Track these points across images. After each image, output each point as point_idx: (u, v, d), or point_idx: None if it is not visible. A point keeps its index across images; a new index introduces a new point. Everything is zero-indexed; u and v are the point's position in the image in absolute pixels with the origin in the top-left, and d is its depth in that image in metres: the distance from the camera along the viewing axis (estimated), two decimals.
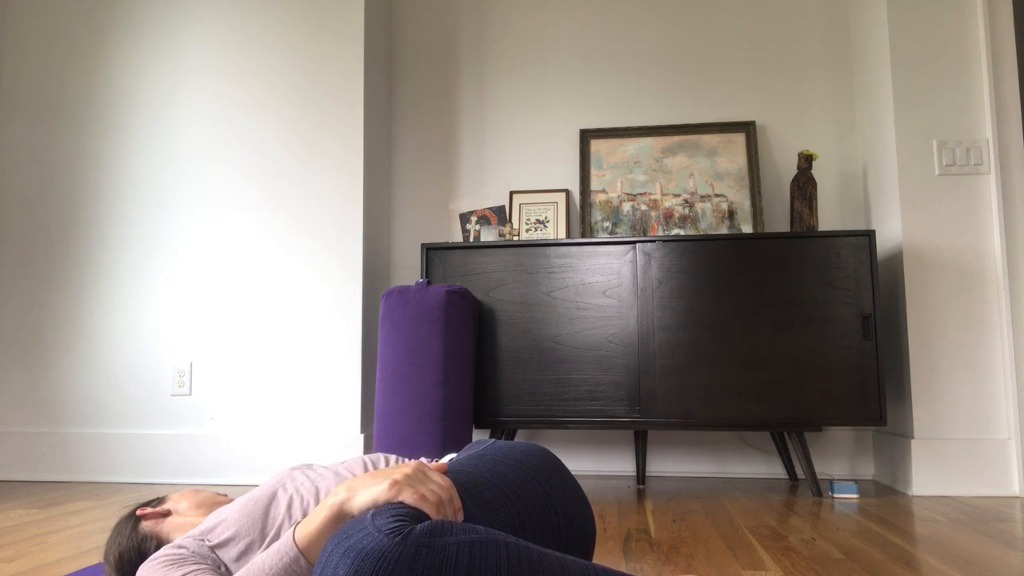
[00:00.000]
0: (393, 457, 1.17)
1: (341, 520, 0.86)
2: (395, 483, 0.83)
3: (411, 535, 0.73)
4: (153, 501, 1.23)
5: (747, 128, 2.88)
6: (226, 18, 2.91)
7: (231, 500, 1.27)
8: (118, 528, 1.17)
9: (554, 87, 3.06)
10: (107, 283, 2.87)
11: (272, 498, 1.06)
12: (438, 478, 0.87)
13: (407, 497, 0.82)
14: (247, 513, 1.03)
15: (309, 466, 1.15)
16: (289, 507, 1.04)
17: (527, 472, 0.99)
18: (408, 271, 3.08)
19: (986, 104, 2.47)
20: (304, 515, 1.03)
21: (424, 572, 0.71)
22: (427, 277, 2.53)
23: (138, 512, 1.16)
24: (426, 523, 0.75)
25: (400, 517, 0.76)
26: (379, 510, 0.78)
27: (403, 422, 2.27)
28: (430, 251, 2.55)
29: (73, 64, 2.97)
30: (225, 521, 1.03)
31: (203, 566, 0.95)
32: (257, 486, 1.37)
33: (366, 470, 1.10)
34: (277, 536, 1.02)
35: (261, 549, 1.00)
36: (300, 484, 1.08)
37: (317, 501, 1.04)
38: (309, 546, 0.87)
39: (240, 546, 1.00)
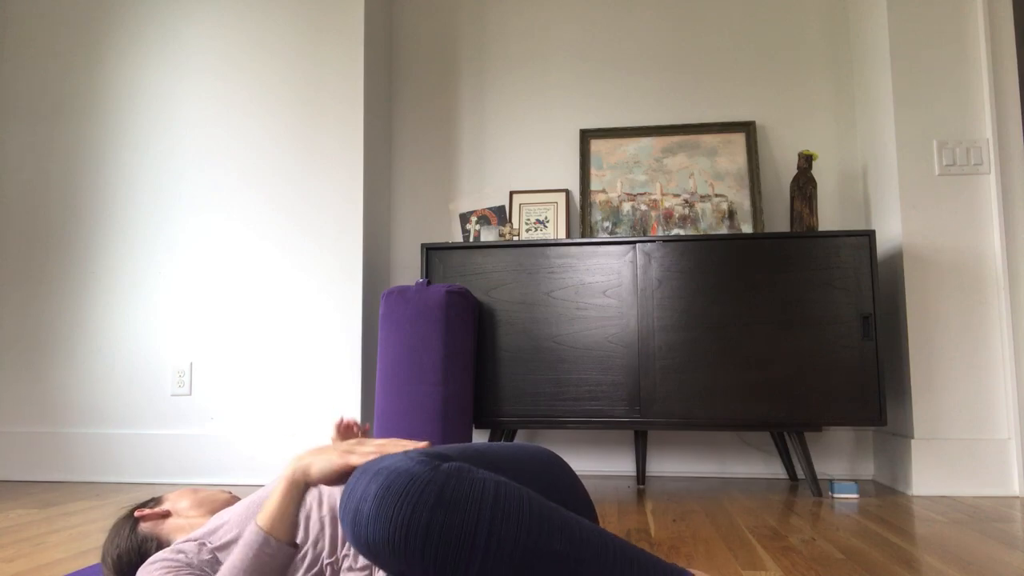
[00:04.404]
0: None
1: (300, 490, 0.89)
2: (345, 452, 0.88)
3: (441, 466, 0.77)
4: (150, 502, 1.22)
5: (747, 128, 2.88)
6: (226, 19, 2.91)
7: (231, 496, 1.27)
8: (116, 529, 1.16)
9: (554, 87, 3.06)
10: (107, 283, 2.87)
11: None
12: (375, 443, 0.92)
13: (357, 460, 0.87)
14: (250, 515, 1.03)
15: None
16: None
17: (535, 466, 1.00)
18: (408, 271, 3.08)
19: (986, 104, 2.47)
20: (306, 518, 1.03)
21: (452, 496, 0.75)
22: (427, 277, 2.53)
23: (136, 513, 1.16)
24: (454, 462, 0.79)
25: (429, 454, 0.80)
26: (407, 451, 0.81)
27: (403, 422, 2.27)
28: (430, 251, 2.55)
29: (73, 64, 2.97)
30: (228, 523, 1.03)
31: None
32: (258, 486, 1.37)
33: None
34: None
35: None
36: None
37: (319, 502, 1.05)
38: (274, 524, 0.89)
39: None
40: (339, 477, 0.87)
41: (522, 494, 0.79)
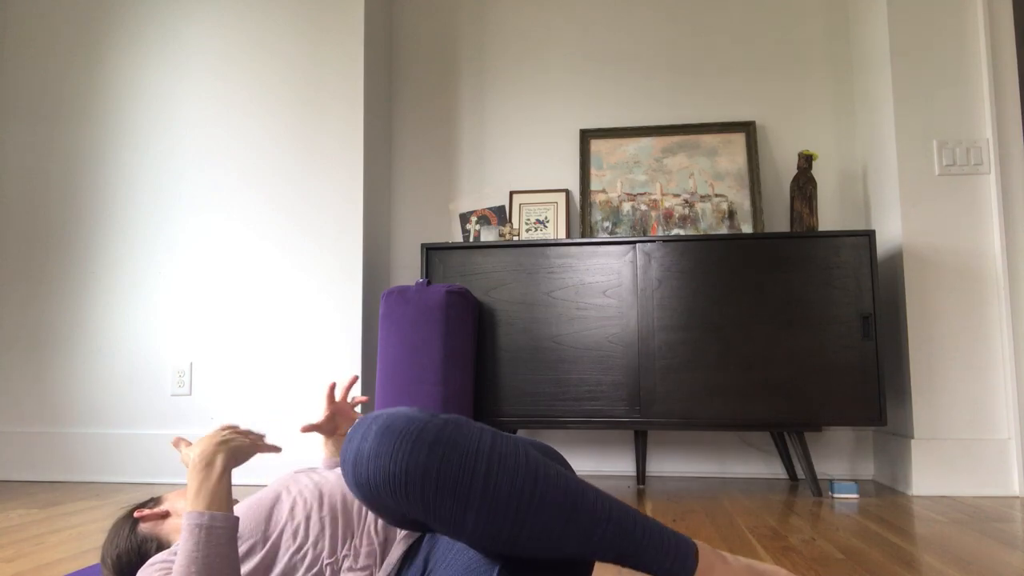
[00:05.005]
0: None
1: (229, 468, 1.00)
2: (253, 440, 1.06)
3: (439, 415, 0.80)
4: (149, 502, 1.22)
5: (747, 128, 2.88)
6: (226, 19, 2.91)
7: None
8: (115, 530, 1.16)
9: (554, 87, 3.06)
10: (107, 283, 2.87)
11: (275, 501, 1.06)
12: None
13: (262, 445, 1.07)
14: (251, 516, 1.03)
15: (313, 469, 1.16)
16: (292, 510, 1.04)
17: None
18: (408, 271, 3.08)
19: (986, 104, 2.47)
20: (307, 518, 1.03)
21: (451, 438, 0.76)
22: (427, 277, 2.53)
23: (136, 514, 1.16)
24: (452, 414, 0.83)
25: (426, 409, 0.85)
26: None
27: None
28: (430, 251, 2.55)
29: (73, 64, 2.97)
30: None
31: None
32: (258, 486, 1.38)
33: None
34: (279, 538, 1.02)
35: (263, 551, 1.01)
36: (304, 487, 1.08)
37: (320, 504, 1.05)
38: (219, 505, 0.94)
39: (243, 548, 1.01)
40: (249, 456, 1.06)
41: (519, 445, 0.80)
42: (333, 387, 1.41)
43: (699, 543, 0.84)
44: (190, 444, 1.05)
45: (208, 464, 0.97)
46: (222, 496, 0.95)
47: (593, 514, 0.80)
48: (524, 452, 0.79)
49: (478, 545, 0.78)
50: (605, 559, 0.82)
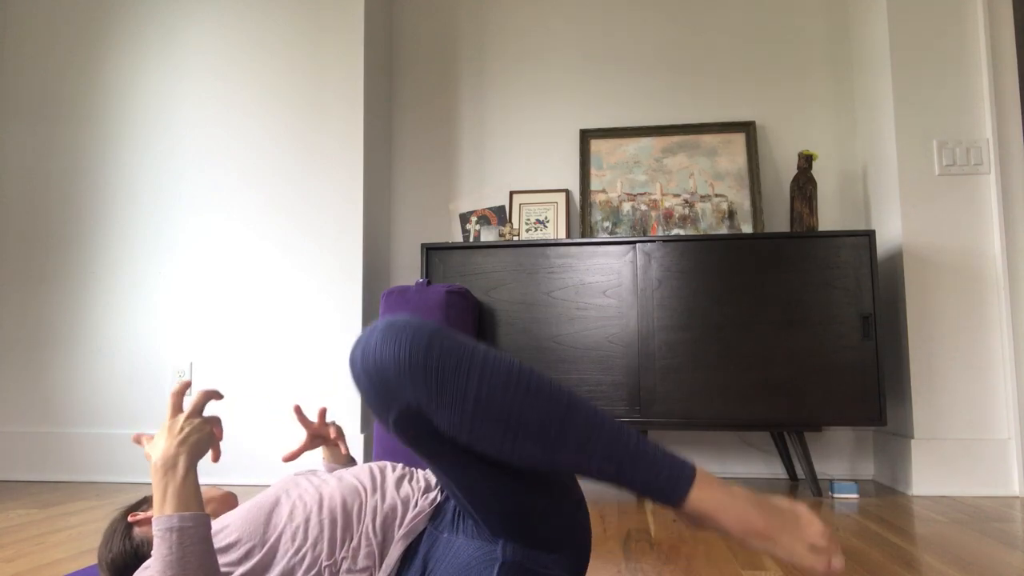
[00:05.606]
0: (399, 464, 1.17)
1: (193, 466, 0.98)
2: (214, 428, 1.03)
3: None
4: (142, 502, 1.22)
5: (747, 128, 2.88)
6: (226, 19, 2.91)
7: (227, 493, 1.28)
8: (109, 533, 1.16)
9: (554, 87, 3.06)
10: (107, 283, 2.87)
11: (275, 504, 1.06)
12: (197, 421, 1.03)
13: (218, 432, 1.03)
14: (250, 519, 1.03)
15: (313, 472, 1.16)
16: (291, 512, 1.04)
17: None
18: (408, 271, 3.08)
19: (986, 104, 2.47)
20: (306, 520, 1.03)
21: (447, 334, 0.83)
22: (427, 277, 2.53)
23: (129, 518, 1.16)
24: None
25: None
26: None
27: None
28: (430, 251, 2.55)
29: (73, 64, 2.97)
30: (228, 527, 1.03)
31: None
32: (259, 486, 1.38)
33: (373, 477, 1.11)
34: (278, 540, 1.02)
35: (261, 553, 1.01)
36: (304, 490, 1.08)
37: (320, 506, 1.05)
38: (187, 502, 0.93)
39: (241, 551, 1.01)
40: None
41: (513, 361, 0.84)
42: (298, 409, 1.35)
43: (700, 467, 0.86)
44: (152, 438, 1.02)
45: (171, 467, 0.95)
46: (189, 496, 0.94)
47: (585, 425, 0.83)
48: (518, 364, 0.84)
49: (481, 448, 0.82)
50: (601, 476, 0.84)
